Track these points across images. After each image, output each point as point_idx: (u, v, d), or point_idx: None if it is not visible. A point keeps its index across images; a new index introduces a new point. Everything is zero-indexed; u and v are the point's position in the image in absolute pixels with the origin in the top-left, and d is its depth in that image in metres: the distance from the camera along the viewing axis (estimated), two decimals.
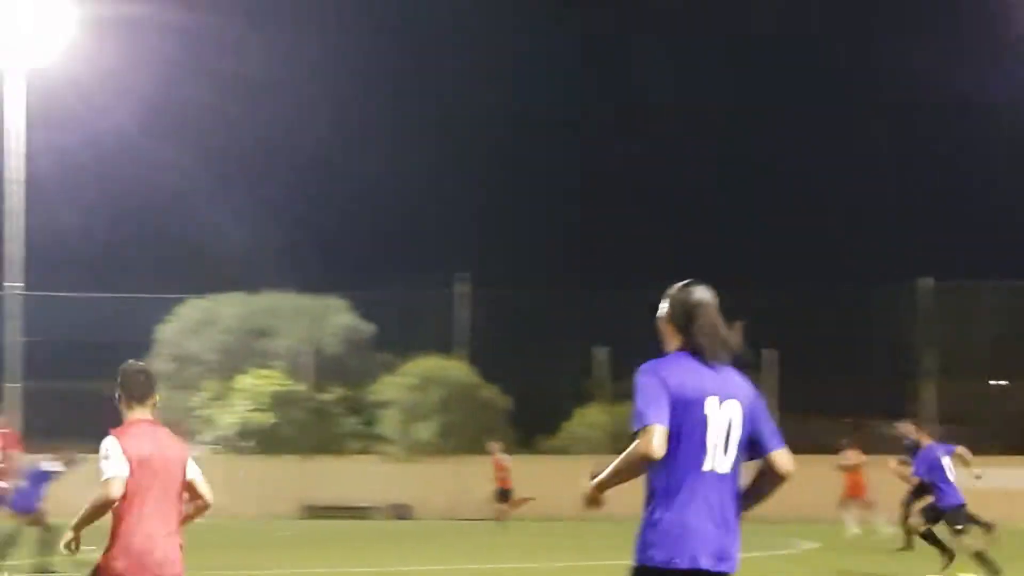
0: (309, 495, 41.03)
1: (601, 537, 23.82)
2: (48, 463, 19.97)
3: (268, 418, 43.07)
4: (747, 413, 5.31)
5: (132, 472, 7.57)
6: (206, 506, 8.15)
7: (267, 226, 62.10)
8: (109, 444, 7.69)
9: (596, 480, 5.24)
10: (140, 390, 7.98)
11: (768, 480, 5.39)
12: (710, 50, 66.41)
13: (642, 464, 5.10)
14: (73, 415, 43.96)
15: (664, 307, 5.48)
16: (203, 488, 8.14)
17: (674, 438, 5.14)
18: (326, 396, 44.51)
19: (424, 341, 44.75)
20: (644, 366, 5.27)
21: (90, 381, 43.60)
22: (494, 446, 33.65)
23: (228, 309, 48.81)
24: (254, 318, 48.62)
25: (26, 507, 19.48)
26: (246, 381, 44.13)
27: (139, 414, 7.96)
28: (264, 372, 44.69)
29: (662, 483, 5.19)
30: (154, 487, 7.67)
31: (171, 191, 61.39)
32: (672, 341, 5.42)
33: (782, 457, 5.37)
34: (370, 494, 40.42)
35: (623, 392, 41.44)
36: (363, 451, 43.67)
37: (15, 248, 41.00)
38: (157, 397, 8.05)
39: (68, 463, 19.95)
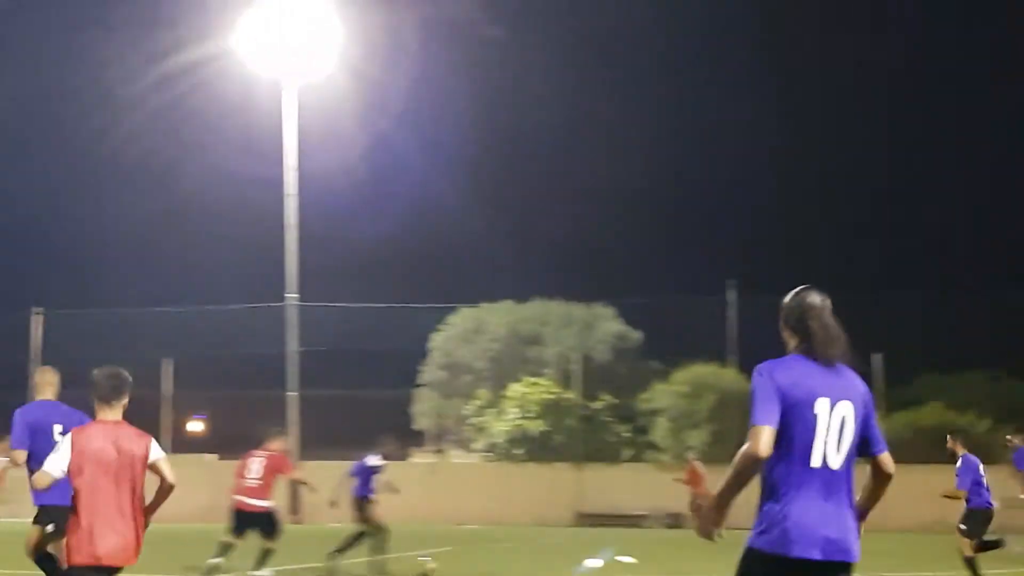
0: (581, 503, 40.76)
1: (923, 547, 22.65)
2: (373, 458, 20.28)
3: (539, 426, 42.98)
4: (860, 413, 5.56)
5: (81, 468, 8.23)
6: (169, 487, 8.60)
7: (535, 235, 62.33)
8: (63, 440, 8.46)
9: (717, 494, 5.46)
10: (107, 392, 8.58)
11: (880, 480, 5.71)
12: None
13: (753, 464, 5.35)
14: (348, 422, 44.92)
15: (782, 312, 5.73)
16: (166, 470, 8.56)
17: (785, 436, 5.41)
18: (596, 404, 44.16)
19: (694, 348, 43.97)
20: (760, 367, 5.55)
21: (364, 389, 44.58)
22: None
23: (498, 318, 49.08)
24: (523, 326, 48.76)
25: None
26: (516, 389, 44.16)
27: (106, 415, 8.53)
28: (534, 380, 44.67)
29: (774, 478, 5.45)
30: (107, 480, 8.25)
31: (440, 202, 62.25)
32: (790, 343, 5.68)
33: (887, 459, 5.71)
34: (642, 502, 39.88)
35: (900, 399, 39.82)
36: (634, 459, 43.14)
37: (291, 260, 42.05)
38: (126, 399, 8.60)
39: (386, 457, 20.42)
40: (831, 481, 5.45)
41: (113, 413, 8.55)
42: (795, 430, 5.43)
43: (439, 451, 48.31)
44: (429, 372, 48.74)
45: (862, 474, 5.81)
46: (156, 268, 64.70)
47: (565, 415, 43.50)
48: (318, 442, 41.31)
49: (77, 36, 77.36)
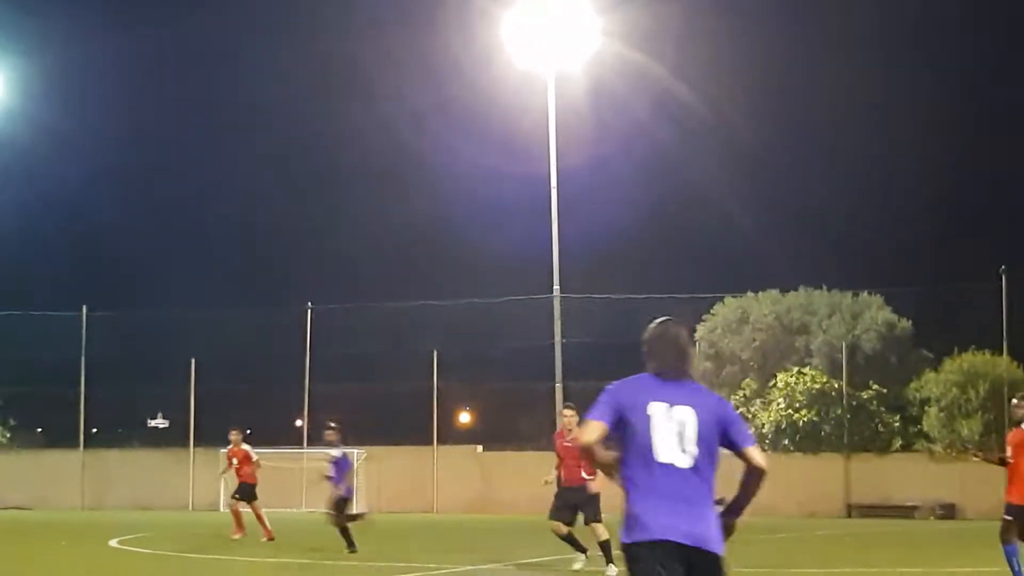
0: (851, 493, 39.96)
1: None
2: None
3: (806, 416, 42.31)
4: (707, 420, 6.10)
5: None
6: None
7: (801, 224, 61.29)
8: None
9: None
10: None
11: (751, 474, 6.25)
12: None
13: (588, 451, 6.17)
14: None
15: (642, 339, 6.45)
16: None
17: (629, 438, 6.09)
18: (865, 394, 43.20)
19: (966, 336, 42.65)
20: (612, 384, 6.24)
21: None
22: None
23: (763, 307, 48.56)
24: (789, 316, 48.13)
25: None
26: (783, 379, 43.59)
27: None
28: (801, 370, 44.02)
29: (627, 475, 6.09)
30: None
31: (702, 190, 61.82)
32: (648, 364, 6.31)
33: (753, 452, 6.23)
34: (913, 492, 38.87)
35: None
36: (904, 449, 42.07)
37: (556, 253, 42.36)
38: None
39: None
40: (679, 477, 6.00)
41: None
42: (635, 432, 6.06)
43: None
44: (694, 362, 48.52)
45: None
46: (424, 263, 66.23)
47: (833, 405, 42.70)
48: None
49: (344, 37, 79.83)
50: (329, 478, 21.06)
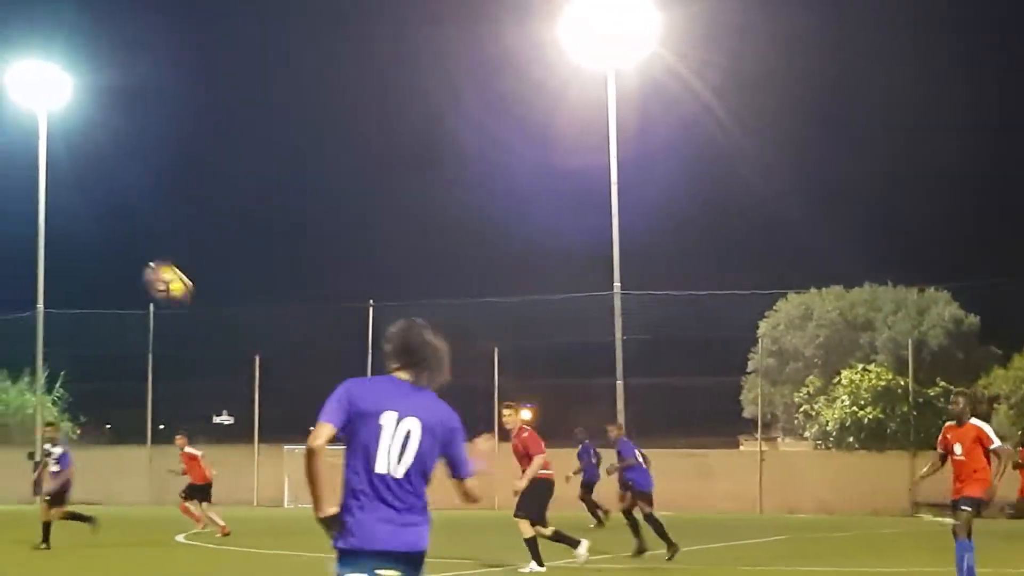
0: (918, 492, 39.54)
1: None
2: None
3: (871, 413, 41.93)
4: (433, 434, 6.14)
5: None
6: None
7: (865, 219, 60.76)
8: None
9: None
10: None
11: (464, 499, 6.39)
12: None
13: (308, 453, 6.07)
14: (674, 410, 44.87)
15: (386, 339, 6.39)
16: None
17: (353, 444, 6.11)
18: (931, 391, 42.76)
19: None
20: (345, 381, 6.21)
21: (690, 377, 44.43)
22: None
23: (827, 303, 48.23)
24: (853, 312, 47.77)
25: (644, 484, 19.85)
26: (848, 376, 43.23)
27: None
28: (865, 367, 43.63)
29: (348, 481, 6.09)
30: None
31: (764, 185, 61.47)
32: (390, 366, 6.30)
33: (472, 485, 6.33)
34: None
35: None
36: None
37: (615, 248, 42.25)
38: None
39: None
40: (394, 487, 6.06)
41: None
42: (360, 438, 6.09)
43: (769, 439, 47.78)
44: (757, 359, 48.24)
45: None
46: (484, 260, 66.33)
47: (899, 402, 42.29)
48: (644, 431, 41.44)
49: (400, 33, 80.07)
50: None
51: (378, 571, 6.00)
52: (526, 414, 17.32)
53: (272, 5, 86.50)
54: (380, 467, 6.07)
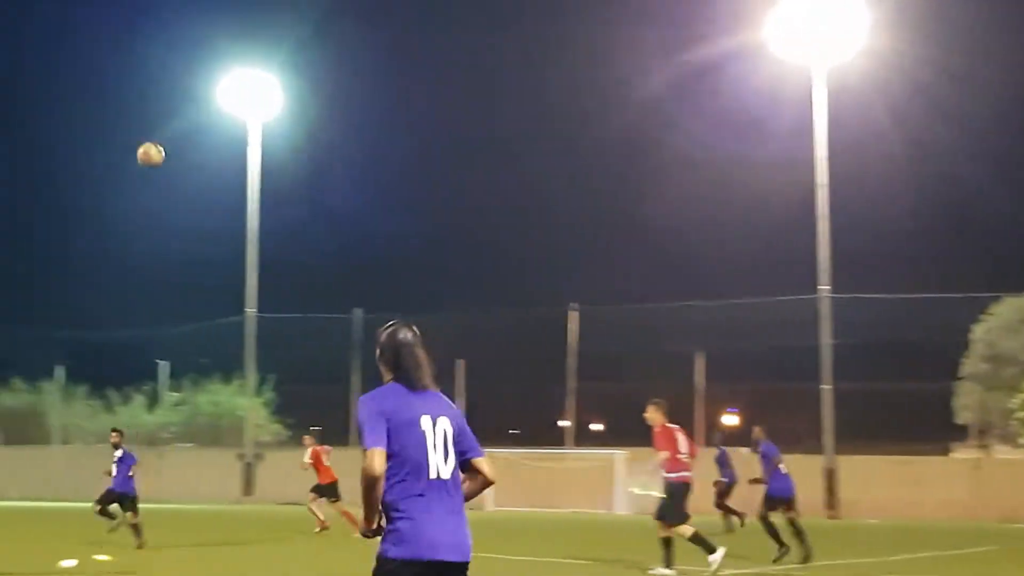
0: None
1: None
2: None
3: None
4: (456, 427, 6.24)
5: None
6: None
7: None
8: None
9: (363, 517, 6.13)
10: None
11: (479, 483, 6.42)
12: None
13: (372, 482, 5.97)
14: (884, 416, 43.66)
15: (377, 347, 6.46)
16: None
17: (399, 455, 6.04)
18: None
19: None
20: (362, 398, 6.19)
21: (901, 383, 43.23)
22: None
23: None
24: None
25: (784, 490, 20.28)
26: None
27: None
28: None
29: (395, 495, 6.04)
30: None
31: (978, 187, 59.53)
32: (386, 375, 6.36)
33: (486, 464, 6.38)
34: None
35: None
36: None
37: (823, 251, 41.37)
38: None
39: None
40: (444, 490, 6.12)
41: None
42: (407, 449, 6.05)
43: (983, 446, 46.20)
44: (971, 364, 46.74)
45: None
46: (687, 263, 65.77)
47: None
48: (853, 436, 40.48)
49: (596, 31, 79.91)
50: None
51: None
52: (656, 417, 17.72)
53: (478, 9, 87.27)
54: (432, 473, 6.12)
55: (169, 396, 52.06)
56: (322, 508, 27.52)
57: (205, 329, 51.63)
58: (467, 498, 6.37)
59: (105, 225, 73.71)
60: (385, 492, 6.07)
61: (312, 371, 49.65)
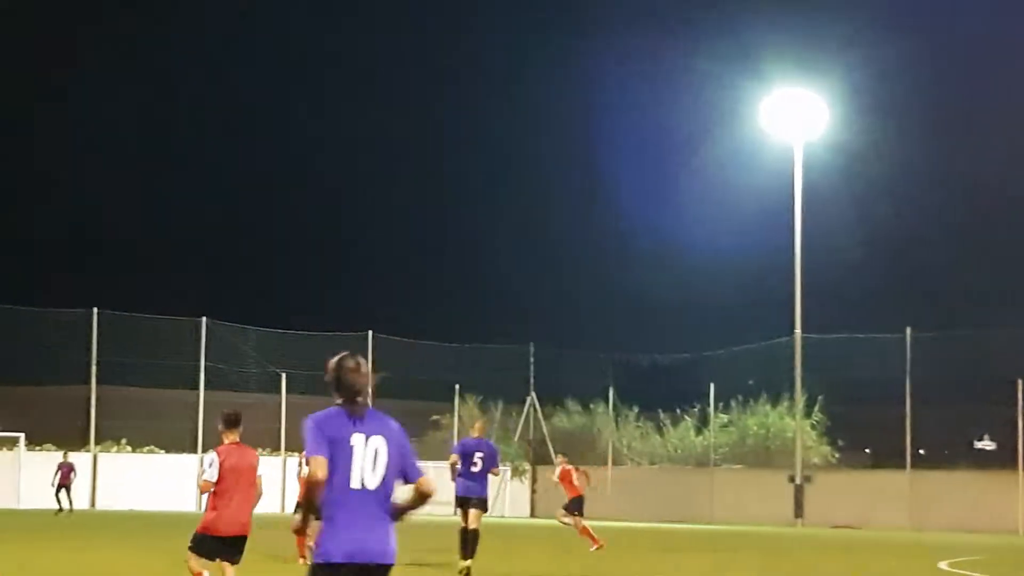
0: None
1: None
2: None
3: None
4: (394, 446, 7.19)
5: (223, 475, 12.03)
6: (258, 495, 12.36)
7: None
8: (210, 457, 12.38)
9: (301, 516, 7.29)
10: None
11: (419, 498, 7.28)
12: None
13: (314, 486, 6.95)
14: None
15: (326, 373, 7.29)
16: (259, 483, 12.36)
17: (332, 465, 6.98)
18: None
19: None
20: (308, 417, 7.13)
21: None
22: None
23: None
24: None
25: None
26: None
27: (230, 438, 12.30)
28: None
29: (328, 498, 6.96)
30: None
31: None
32: (335, 397, 7.22)
33: (425, 482, 7.28)
34: None
35: None
36: None
37: None
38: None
39: None
40: (368, 498, 6.99)
41: (235, 436, 12.44)
42: (338, 461, 6.94)
43: None
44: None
45: None
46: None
47: None
48: None
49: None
50: None
51: None
52: None
53: None
54: (355, 483, 6.99)
55: (718, 418, 52.39)
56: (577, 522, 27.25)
57: (752, 351, 51.73)
58: (408, 508, 7.19)
59: (651, 248, 75.61)
60: (324, 496, 6.97)
61: (862, 392, 48.69)
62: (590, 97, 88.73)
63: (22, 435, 45.98)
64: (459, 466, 18.47)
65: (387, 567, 7.05)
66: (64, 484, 40.23)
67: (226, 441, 12.17)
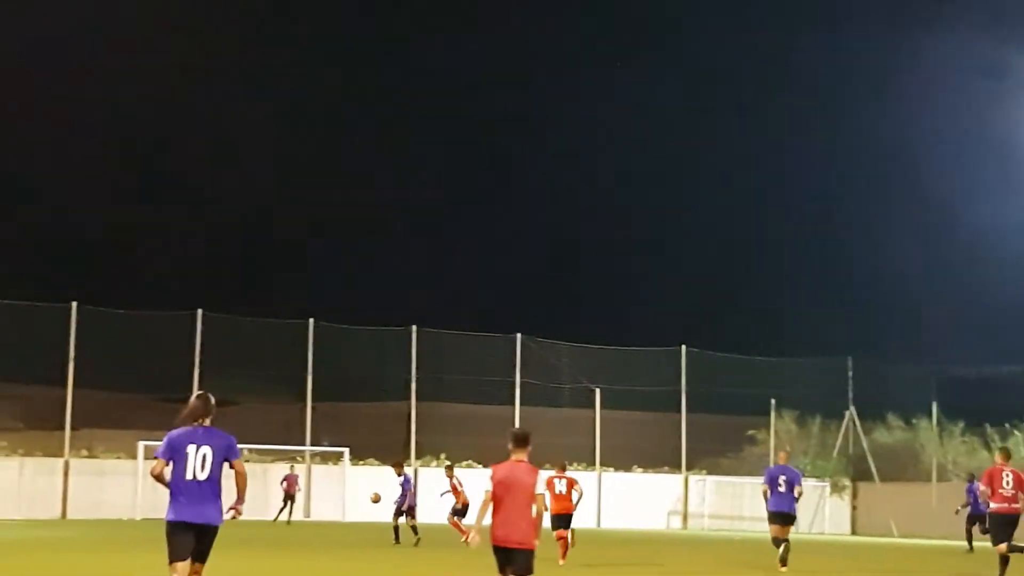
0: None
1: None
2: None
3: None
4: (218, 450, 12.05)
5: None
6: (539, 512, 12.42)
7: None
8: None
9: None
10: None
11: (237, 477, 12.26)
12: None
13: (156, 478, 12.09)
14: None
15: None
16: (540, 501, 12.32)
17: (175, 465, 11.97)
18: None
19: None
20: (169, 433, 12.14)
21: None
22: None
23: None
24: None
25: None
26: None
27: (517, 456, 12.41)
28: None
29: (172, 486, 11.96)
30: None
31: None
32: (186, 420, 12.24)
33: (239, 464, 12.26)
34: None
35: None
36: None
37: None
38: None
39: None
40: (199, 486, 11.93)
41: (522, 455, 12.57)
42: (176, 462, 11.97)
43: None
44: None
45: None
46: None
47: None
48: None
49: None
50: None
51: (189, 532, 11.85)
52: None
53: None
54: (189, 476, 11.88)
55: None
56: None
57: None
58: (240, 489, 12.20)
59: (992, 256, 72.33)
60: (169, 483, 11.88)
61: None
62: None
63: (347, 450, 47.64)
64: (769, 493, 22.55)
65: (209, 527, 11.89)
66: (289, 494, 41.40)
67: (512, 458, 12.25)
